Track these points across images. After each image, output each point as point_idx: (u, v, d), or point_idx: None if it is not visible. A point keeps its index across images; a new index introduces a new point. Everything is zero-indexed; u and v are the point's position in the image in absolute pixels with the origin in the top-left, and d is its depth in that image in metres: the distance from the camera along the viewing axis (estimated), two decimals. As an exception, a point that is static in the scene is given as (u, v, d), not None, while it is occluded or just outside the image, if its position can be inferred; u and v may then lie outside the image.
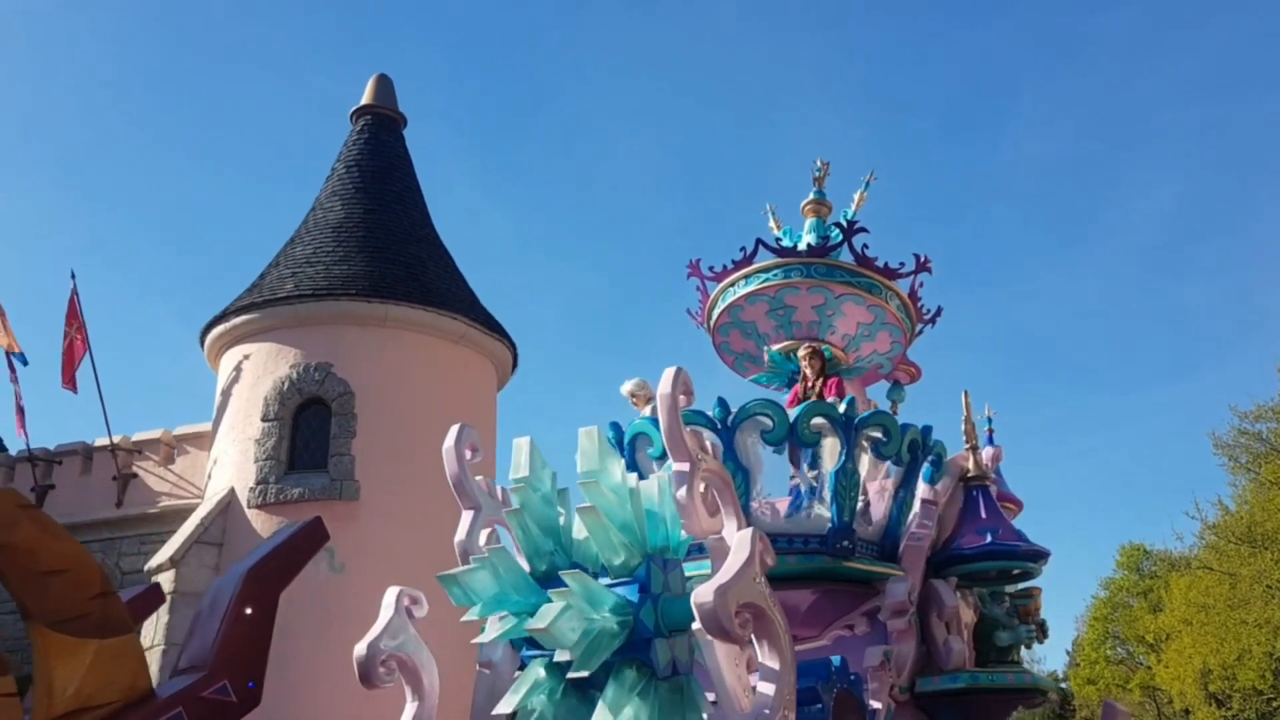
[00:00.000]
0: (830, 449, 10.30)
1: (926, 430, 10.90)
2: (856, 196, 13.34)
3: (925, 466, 11.11)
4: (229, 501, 25.04)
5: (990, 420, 13.87)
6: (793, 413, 10.10)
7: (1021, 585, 11.55)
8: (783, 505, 10.91)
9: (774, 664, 6.24)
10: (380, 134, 29.80)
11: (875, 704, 9.82)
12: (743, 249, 12.45)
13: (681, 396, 6.82)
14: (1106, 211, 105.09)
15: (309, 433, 25.32)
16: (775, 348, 12.43)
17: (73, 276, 27.71)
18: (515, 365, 28.63)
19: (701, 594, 5.85)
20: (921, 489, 11.10)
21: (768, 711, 6.13)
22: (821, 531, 10.18)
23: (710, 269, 12.75)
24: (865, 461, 10.57)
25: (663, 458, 9.77)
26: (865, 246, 12.38)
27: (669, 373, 6.73)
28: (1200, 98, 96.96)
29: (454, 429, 8.68)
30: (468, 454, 8.53)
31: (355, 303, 25.63)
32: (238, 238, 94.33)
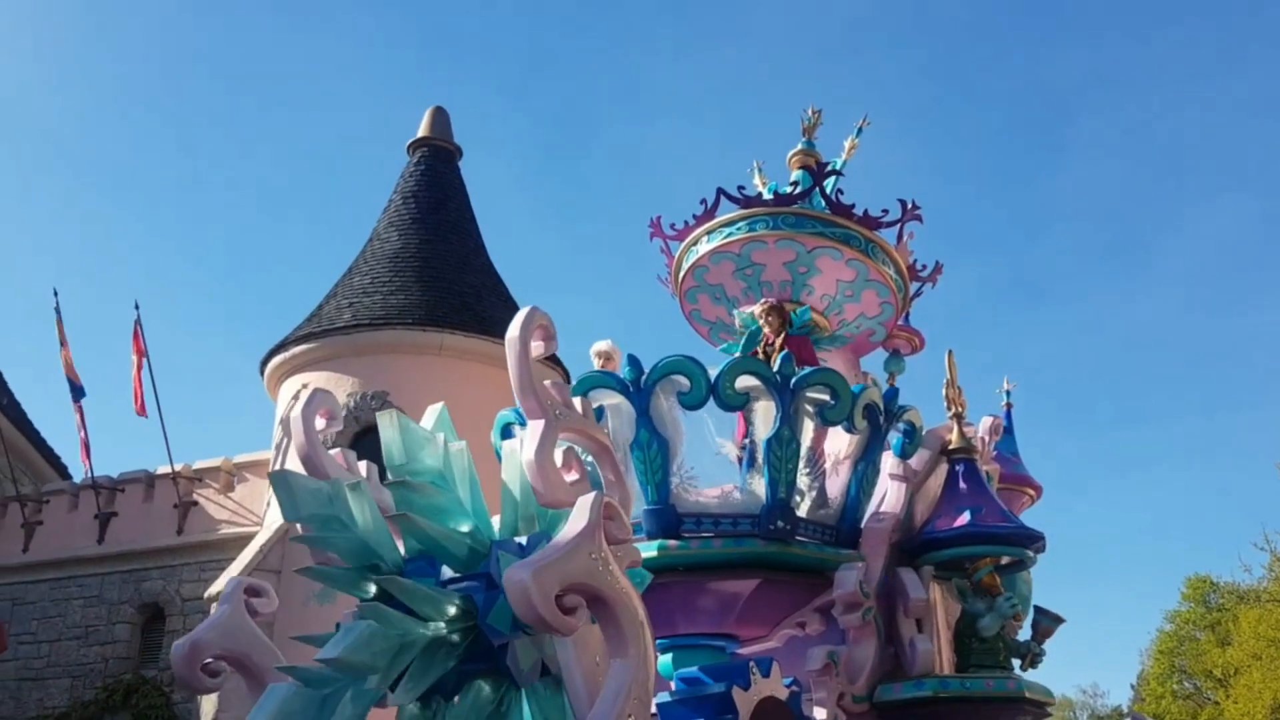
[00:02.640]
0: (764, 413, 8.12)
1: (891, 394, 8.56)
2: (847, 144, 11.15)
3: (896, 437, 8.62)
4: (288, 529, 23.88)
5: (1009, 394, 11.27)
6: (714, 370, 7.76)
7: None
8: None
9: (619, 660, 4.94)
10: (436, 165, 29.02)
11: (819, 713, 7.66)
12: (703, 201, 10.10)
13: (538, 343, 5.49)
14: (1168, 236, 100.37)
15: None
16: (747, 310, 9.94)
17: (136, 307, 26.76)
18: (568, 392, 26.76)
19: (513, 573, 4.58)
20: (889, 463, 8.68)
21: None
22: (754, 511, 7.91)
23: (672, 226, 10.41)
24: (810, 428, 8.26)
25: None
26: (840, 192, 9.97)
27: (521, 313, 5.39)
28: (1262, 120, 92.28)
29: (305, 394, 6.66)
30: (320, 422, 6.54)
31: (411, 332, 24.90)
32: (298, 268, 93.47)
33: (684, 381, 7.80)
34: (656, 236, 10.62)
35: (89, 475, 28.10)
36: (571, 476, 5.86)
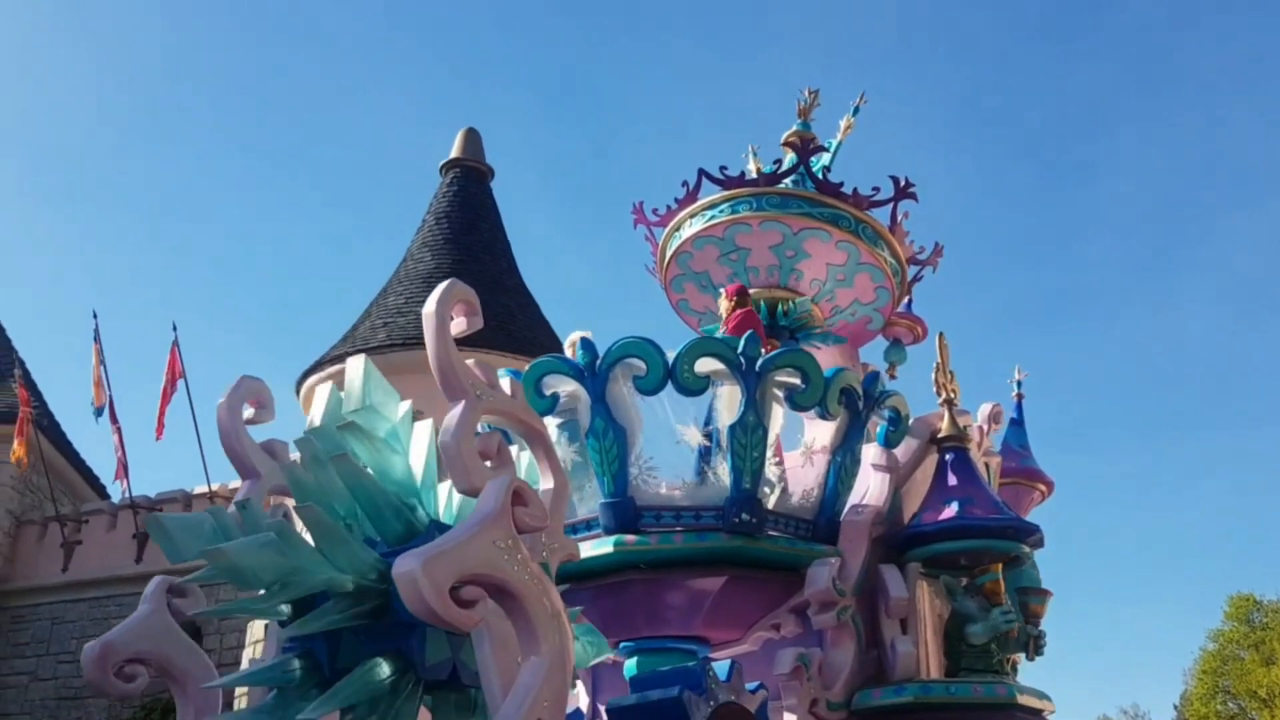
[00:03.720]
0: (728, 399, 7.34)
1: (871, 378, 7.78)
2: (843, 124, 10.28)
3: (881, 425, 7.79)
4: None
5: (1020, 384, 10.34)
6: (671, 353, 7.09)
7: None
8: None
9: (532, 659, 4.44)
10: (469, 186, 28.65)
11: (788, 721, 6.82)
12: (684, 183, 9.33)
13: (460, 319, 5.04)
14: (1205, 247, 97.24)
15: (402, 480, 24.03)
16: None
17: (174, 329, 26.46)
18: (603, 412, 26.32)
19: (401, 561, 4.11)
20: (872, 452, 7.90)
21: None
22: (719, 503, 7.17)
23: (654, 212, 9.60)
24: (779, 414, 7.49)
25: None
26: (827, 170, 9.13)
27: (440, 286, 4.94)
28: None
29: (235, 380, 5.96)
30: (248, 410, 5.95)
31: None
32: (332, 289, 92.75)
33: (640, 365, 7.09)
34: (640, 223, 9.87)
35: (127, 495, 28.01)
36: (494, 462, 5.28)
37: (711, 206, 9.23)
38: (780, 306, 9.06)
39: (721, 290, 8.73)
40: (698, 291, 9.75)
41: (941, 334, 8.47)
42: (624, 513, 7.10)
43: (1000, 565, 7.57)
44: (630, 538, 7.07)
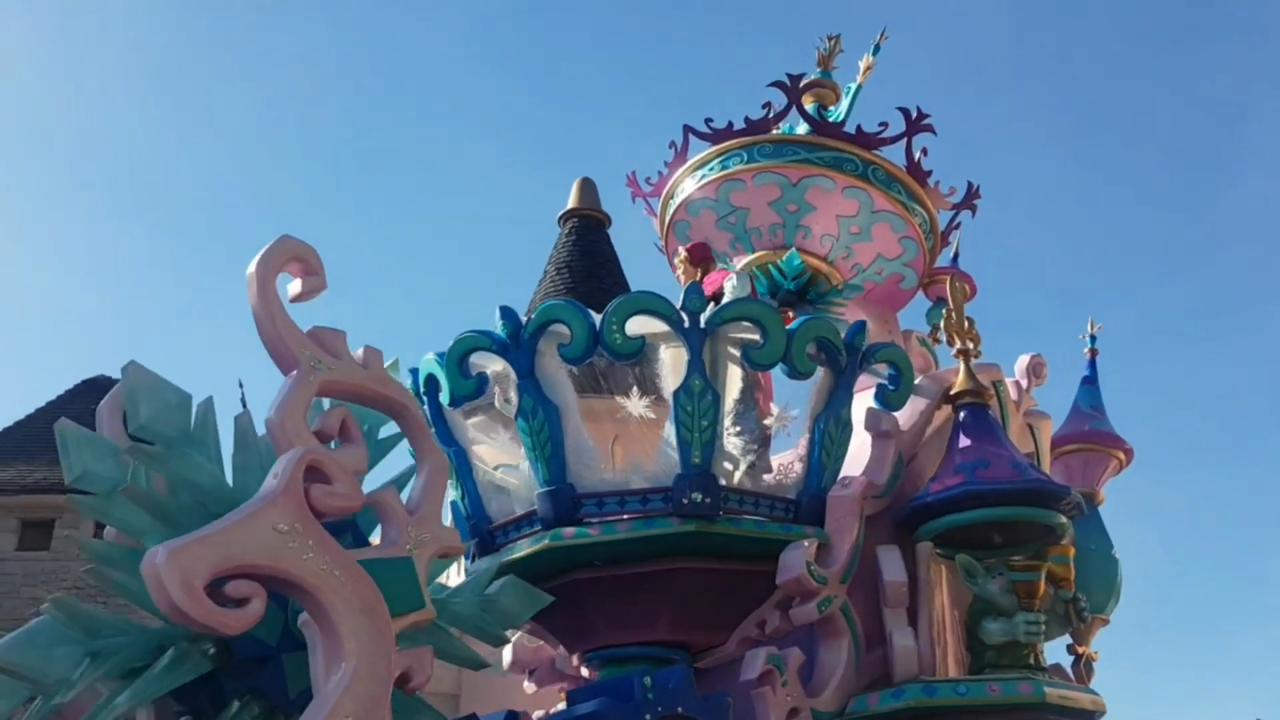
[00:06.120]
0: (673, 362, 6.18)
1: (856, 329, 6.45)
2: (862, 64, 9.01)
3: (880, 384, 6.53)
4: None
5: (1094, 339, 8.87)
6: (597, 316, 6.04)
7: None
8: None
9: (341, 665, 3.78)
10: (587, 235, 27.57)
11: (762, 734, 5.69)
12: (672, 144, 8.17)
13: (295, 280, 4.38)
14: None
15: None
16: (739, 264, 7.89)
17: (239, 385, 25.93)
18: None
19: (151, 555, 3.45)
20: (870, 416, 6.55)
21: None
22: (667, 484, 5.97)
23: (647, 181, 8.46)
24: (736, 375, 6.31)
25: (452, 404, 6.39)
26: (823, 109, 7.85)
27: (270, 245, 4.29)
28: None
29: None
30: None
31: (585, 399, 22.84)
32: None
33: (563, 331, 6.05)
34: (637, 196, 8.73)
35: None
36: (341, 442, 4.39)
37: (702, 165, 8.12)
38: (772, 267, 7.76)
39: (680, 252, 7.54)
40: (706, 265, 8.51)
41: (952, 277, 7.18)
42: (562, 502, 6.02)
43: (1045, 565, 6.17)
44: (568, 530, 5.95)
